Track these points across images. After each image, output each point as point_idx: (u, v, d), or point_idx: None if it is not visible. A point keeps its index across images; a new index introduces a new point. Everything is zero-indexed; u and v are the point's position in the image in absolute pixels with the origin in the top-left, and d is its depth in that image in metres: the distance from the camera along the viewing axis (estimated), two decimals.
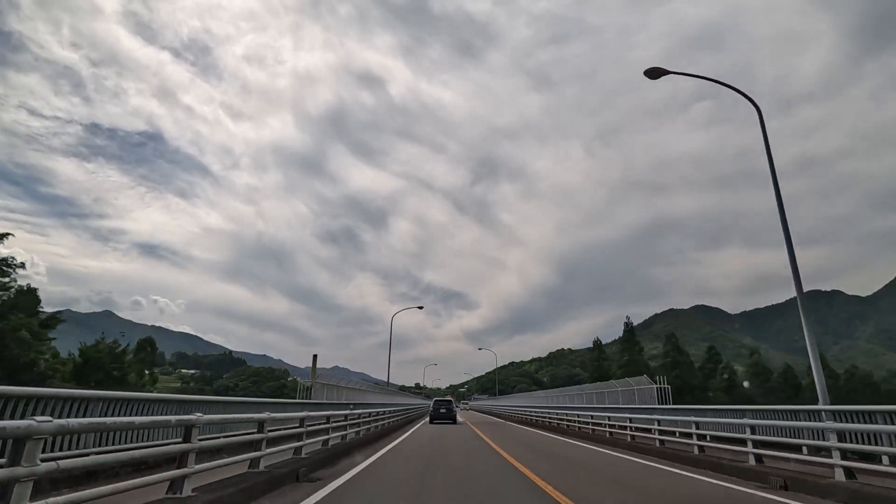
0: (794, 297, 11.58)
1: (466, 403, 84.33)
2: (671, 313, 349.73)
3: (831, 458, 7.46)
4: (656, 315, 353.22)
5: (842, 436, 7.53)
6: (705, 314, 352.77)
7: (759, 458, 9.23)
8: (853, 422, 8.94)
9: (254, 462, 6.87)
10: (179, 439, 5.32)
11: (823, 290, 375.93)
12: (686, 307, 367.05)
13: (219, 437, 7.20)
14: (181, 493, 4.92)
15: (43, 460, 3.24)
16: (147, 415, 7.24)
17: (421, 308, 36.18)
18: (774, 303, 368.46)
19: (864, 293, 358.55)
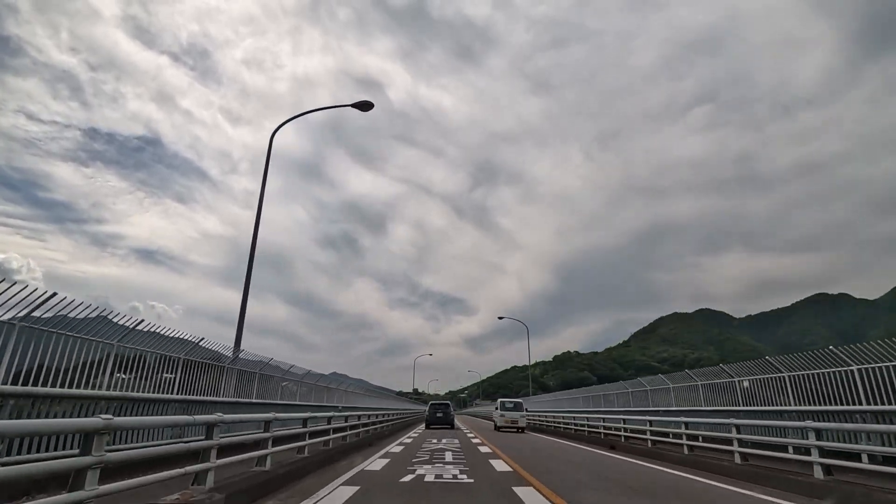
0: (799, 301, 11.82)
1: (526, 409, 26.39)
2: (675, 317, 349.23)
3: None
4: (661, 318, 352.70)
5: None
6: (709, 318, 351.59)
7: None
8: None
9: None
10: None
11: (830, 293, 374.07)
12: (689, 311, 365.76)
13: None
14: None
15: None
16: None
17: (366, 107, 16.52)
18: (780, 307, 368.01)
19: (871, 296, 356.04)
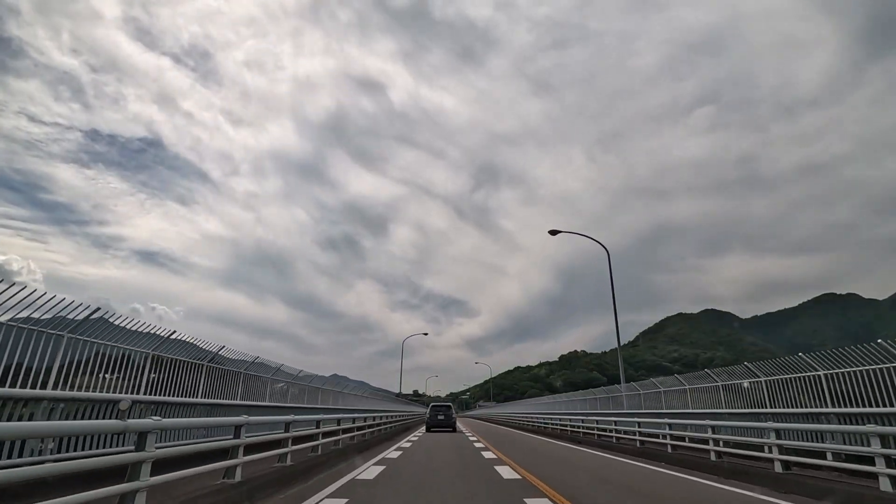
0: (807, 302, 10.65)
1: None
2: (681, 317, 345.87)
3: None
4: (667, 318, 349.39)
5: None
6: (714, 318, 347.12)
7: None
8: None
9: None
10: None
11: (838, 293, 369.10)
12: (695, 311, 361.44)
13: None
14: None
15: None
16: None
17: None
18: (786, 307, 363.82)
19: (880, 296, 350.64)
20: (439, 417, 26.32)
